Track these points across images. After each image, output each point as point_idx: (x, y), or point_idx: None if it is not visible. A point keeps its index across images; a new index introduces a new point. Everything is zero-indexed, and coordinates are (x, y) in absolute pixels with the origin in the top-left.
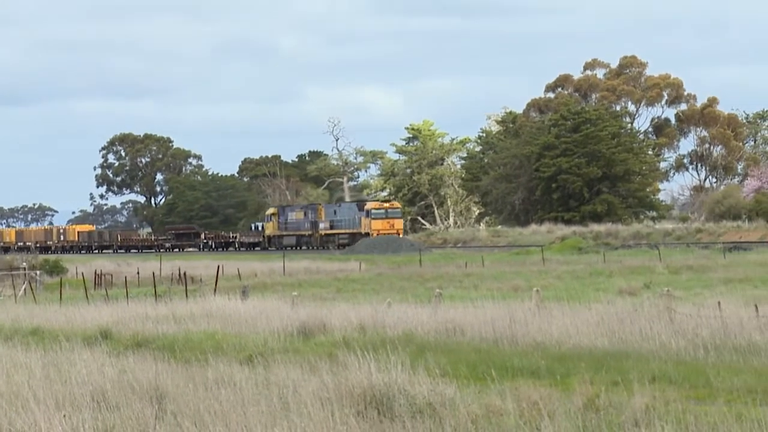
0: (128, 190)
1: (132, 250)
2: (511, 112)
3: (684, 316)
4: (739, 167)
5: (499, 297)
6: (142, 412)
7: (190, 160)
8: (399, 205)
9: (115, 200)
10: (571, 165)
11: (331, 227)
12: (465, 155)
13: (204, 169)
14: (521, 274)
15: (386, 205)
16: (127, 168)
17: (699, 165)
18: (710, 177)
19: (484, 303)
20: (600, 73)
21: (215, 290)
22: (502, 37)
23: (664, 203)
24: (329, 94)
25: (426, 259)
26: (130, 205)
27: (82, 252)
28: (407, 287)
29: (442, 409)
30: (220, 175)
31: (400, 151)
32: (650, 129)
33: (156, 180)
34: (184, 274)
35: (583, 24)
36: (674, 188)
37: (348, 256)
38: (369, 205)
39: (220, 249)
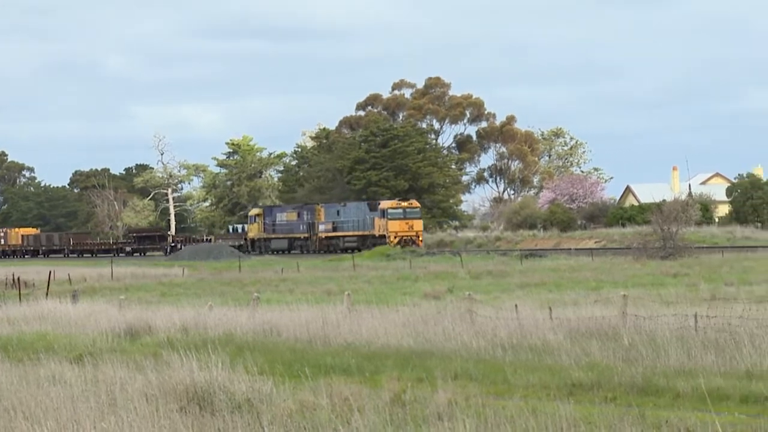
0: None
1: (86, 255)
2: (324, 129)
3: (484, 318)
4: (535, 180)
5: (313, 300)
6: None
7: (23, 172)
8: (418, 205)
9: None
10: (380, 178)
11: (334, 229)
12: (282, 168)
13: (37, 181)
14: (334, 279)
15: (404, 204)
16: None
17: (498, 178)
18: (508, 189)
19: (299, 306)
20: (407, 93)
21: (47, 294)
22: (316, 58)
23: (466, 213)
24: (154, 111)
25: (245, 265)
26: None
27: (26, 256)
28: (227, 291)
29: (260, 405)
30: (52, 186)
31: (221, 164)
32: (453, 145)
33: None
34: (18, 278)
35: (392, 47)
36: (475, 199)
37: (172, 262)
38: (385, 204)
39: None
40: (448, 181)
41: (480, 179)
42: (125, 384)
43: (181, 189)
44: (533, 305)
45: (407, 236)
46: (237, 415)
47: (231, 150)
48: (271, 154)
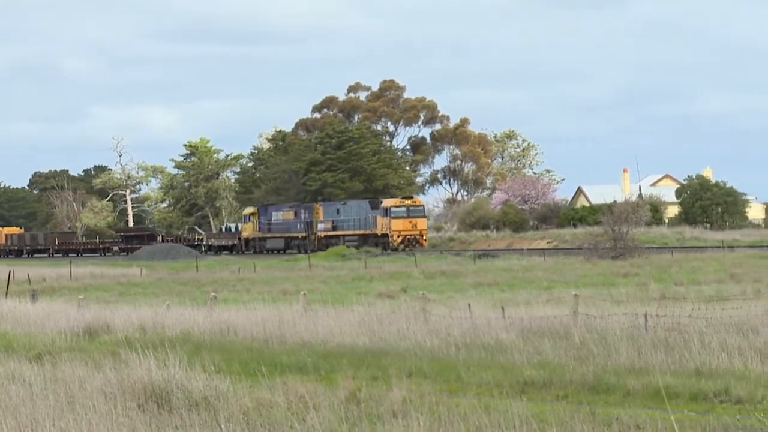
0: None
1: (71, 254)
2: (280, 131)
3: (438, 317)
4: (488, 181)
5: (269, 300)
6: None
7: None
8: (422, 203)
9: None
10: (335, 179)
11: (334, 228)
12: (238, 170)
13: None
14: (290, 279)
15: (408, 202)
16: None
17: (452, 179)
18: (462, 190)
19: (256, 305)
20: (362, 96)
21: (6, 294)
22: (272, 61)
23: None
24: (113, 113)
25: (202, 266)
26: None
27: (10, 256)
28: (185, 291)
29: (217, 402)
30: (11, 187)
31: (178, 166)
32: (408, 147)
33: None
34: None
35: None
36: (429, 201)
37: (130, 262)
38: (387, 203)
39: None
40: (402, 182)
41: (434, 181)
42: (84, 382)
43: (139, 190)
44: (486, 304)
45: (411, 235)
46: (194, 412)
47: (188, 152)
48: (228, 155)
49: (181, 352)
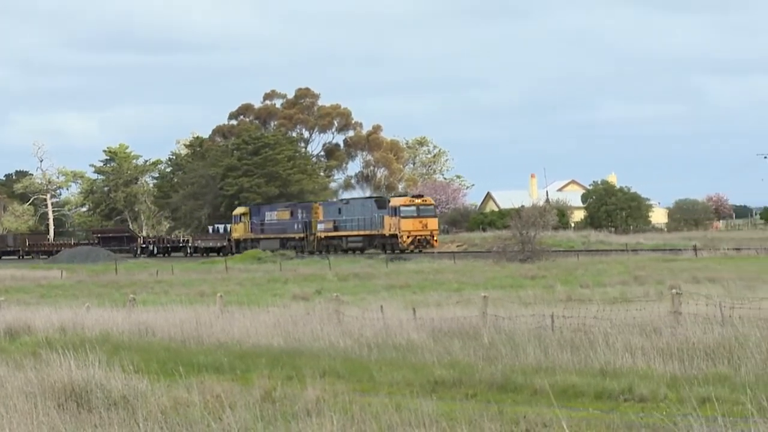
0: None
1: (42, 256)
2: (198, 137)
3: (351, 318)
4: (400, 187)
5: (186, 302)
6: None
7: None
8: (432, 202)
9: None
10: (251, 184)
11: (335, 228)
12: (157, 175)
13: None
14: (207, 281)
15: (418, 200)
16: None
17: (365, 185)
18: (376, 195)
19: (174, 307)
20: (278, 103)
21: None
22: (190, 70)
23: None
24: (33, 120)
25: (122, 268)
26: None
27: None
28: (104, 293)
29: (135, 401)
30: None
31: (98, 171)
32: (322, 153)
33: None
34: None
35: (264, 58)
36: None
37: (51, 265)
38: (396, 202)
39: (163, 255)
40: (316, 187)
41: (347, 186)
42: (5, 382)
43: (60, 195)
44: (398, 306)
45: (421, 236)
46: (113, 411)
47: (108, 157)
48: (146, 161)
49: (101, 353)
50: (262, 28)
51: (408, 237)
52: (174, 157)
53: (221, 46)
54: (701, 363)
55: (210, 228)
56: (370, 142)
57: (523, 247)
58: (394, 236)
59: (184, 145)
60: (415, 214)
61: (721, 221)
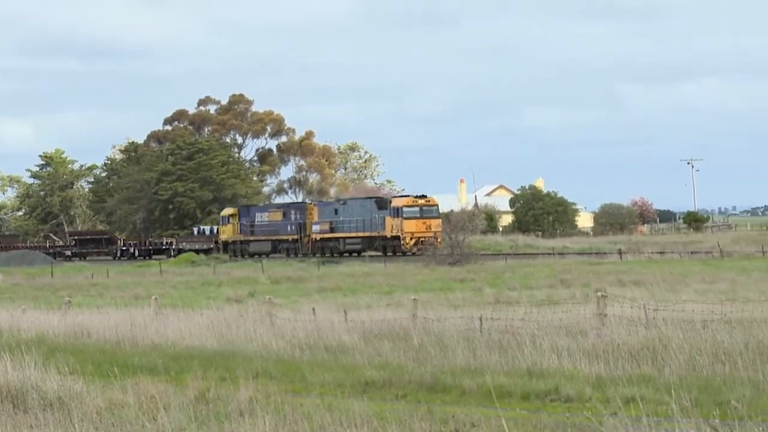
0: None
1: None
2: (133, 142)
3: (283, 320)
4: (332, 191)
5: (122, 304)
6: None
7: None
8: (436, 202)
9: None
10: (186, 189)
11: (332, 229)
12: (92, 180)
13: None
14: (142, 284)
15: (421, 201)
16: None
17: (297, 189)
18: (307, 200)
19: (109, 309)
20: (212, 109)
21: None
22: (127, 76)
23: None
24: None
25: (57, 271)
26: None
27: None
28: (40, 296)
29: (71, 402)
30: None
31: (34, 175)
32: (255, 158)
33: None
34: None
35: (198, 65)
36: None
37: None
38: (399, 202)
39: (144, 258)
40: (250, 192)
41: (280, 190)
42: None
43: None
44: (330, 308)
45: (425, 237)
46: (49, 412)
47: (44, 162)
48: (82, 166)
49: (37, 354)
50: (198, 37)
51: (411, 239)
52: (109, 162)
53: (158, 53)
54: (626, 364)
55: (194, 230)
56: (303, 147)
57: (452, 250)
58: (396, 238)
59: (120, 150)
60: (419, 215)
61: (645, 225)
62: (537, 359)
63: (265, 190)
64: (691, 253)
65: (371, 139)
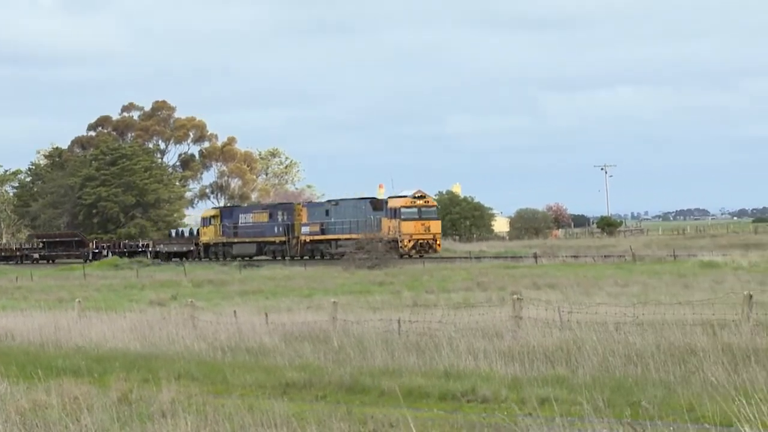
0: None
1: None
2: (57, 148)
3: (205, 323)
4: (253, 196)
5: (45, 307)
6: None
7: None
8: (435, 203)
9: None
10: (109, 194)
11: (323, 231)
12: (17, 185)
13: None
14: (65, 287)
15: (419, 201)
16: None
17: (219, 194)
18: (228, 204)
19: (33, 312)
20: (136, 115)
21: None
22: (50, 82)
23: (189, 226)
24: None
25: None
26: None
27: None
28: None
29: None
30: None
31: None
32: (178, 163)
33: None
34: None
35: (123, 72)
36: (198, 214)
37: None
38: (395, 203)
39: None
40: (172, 196)
41: (202, 195)
42: None
43: None
44: (251, 311)
45: (424, 239)
46: None
47: None
48: (6, 171)
49: None
50: (122, 44)
51: (409, 241)
52: (34, 167)
53: (82, 60)
54: (541, 365)
55: (173, 231)
56: (225, 153)
57: (371, 254)
58: (394, 240)
59: (44, 155)
60: (417, 216)
61: (560, 230)
62: (454, 361)
63: (188, 194)
64: (605, 257)
65: (292, 144)
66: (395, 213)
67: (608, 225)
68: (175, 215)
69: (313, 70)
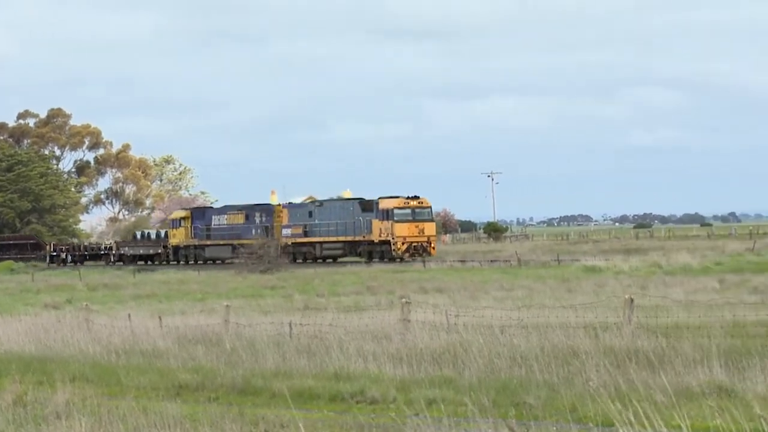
0: None
1: None
2: None
3: (100, 326)
4: (147, 202)
5: None
6: None
7: None
8: (429, 204)
9: None
10: (4, 200)
11: (306, 234)
12: None
13: None
14: None
15: (413, 203)
16: None
17: (114, 200)
18: (124, 210)
19: None
20: (31, 122)
21: None
22: None
23: (84, 232)
24: None
25: None
26: None
27: None
28: None
29: None
30: None
31: None
32: (74, 170)
33: None
34: None
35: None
36: (93, 219)
37: None
38: (388, 204)
39: (75, 264)
40: (68, 202)
41: (98, 201)
42: None
43: None
44: (145, 315)
45: (417, 242)
46: None
47: None
48: None
49: None
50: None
51: (403, 243)
52: None
53: None
54: (428, 367)
55: (137, 233)
56: (119, 159)
57: (263, 259)
58: (386, 242)
59: None
60: (411, 218)
61: (447, 235)
62: (344, 363)
63: (83, 200)
64: (491, 261)
65: (186, 151)
66: (388, 214)
67: (495, 230)
68: (70, 220)
69: (207, 79)
